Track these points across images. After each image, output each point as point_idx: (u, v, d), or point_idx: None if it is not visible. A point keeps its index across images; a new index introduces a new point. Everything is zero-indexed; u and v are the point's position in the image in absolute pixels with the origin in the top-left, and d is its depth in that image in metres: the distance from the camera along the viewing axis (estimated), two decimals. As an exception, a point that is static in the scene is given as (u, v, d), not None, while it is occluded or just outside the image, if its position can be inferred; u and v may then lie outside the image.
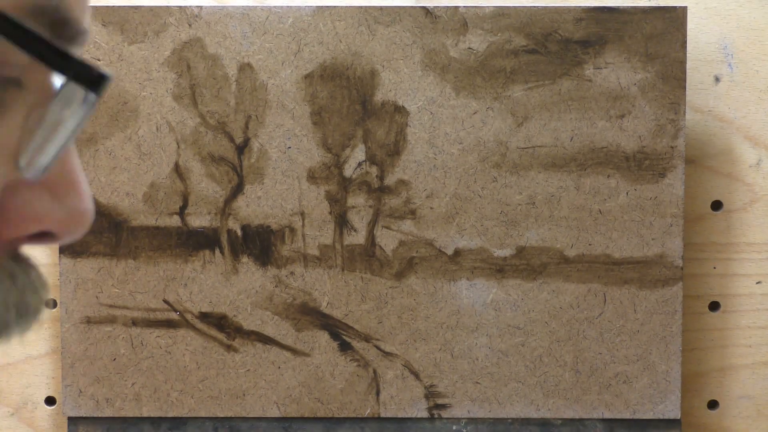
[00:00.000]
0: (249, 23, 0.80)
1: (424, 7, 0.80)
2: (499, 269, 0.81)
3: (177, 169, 0.81)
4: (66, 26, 0.40)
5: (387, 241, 0.81)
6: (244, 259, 0.81)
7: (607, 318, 0.81)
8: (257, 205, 0.81)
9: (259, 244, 0.81)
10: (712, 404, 0.86)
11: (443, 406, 0.82)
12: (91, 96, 0.39)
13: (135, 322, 0.82)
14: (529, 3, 0.82)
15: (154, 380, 0.82)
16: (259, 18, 0.80)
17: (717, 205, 0.84)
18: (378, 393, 0.82)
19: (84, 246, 0.81)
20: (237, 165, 0.81)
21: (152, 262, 0.81)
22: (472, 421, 0.83)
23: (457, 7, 0.80)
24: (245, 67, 0.80)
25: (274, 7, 0.80)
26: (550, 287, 0.81)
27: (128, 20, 0.80)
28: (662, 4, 0.82)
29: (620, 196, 0.81)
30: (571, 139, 0.81)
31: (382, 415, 0.82)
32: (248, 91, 0.80)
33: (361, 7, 0.80)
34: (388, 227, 0.81)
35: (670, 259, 0.81)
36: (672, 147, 0.80)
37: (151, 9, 0.80)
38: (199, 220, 0.81)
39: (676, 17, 0.80)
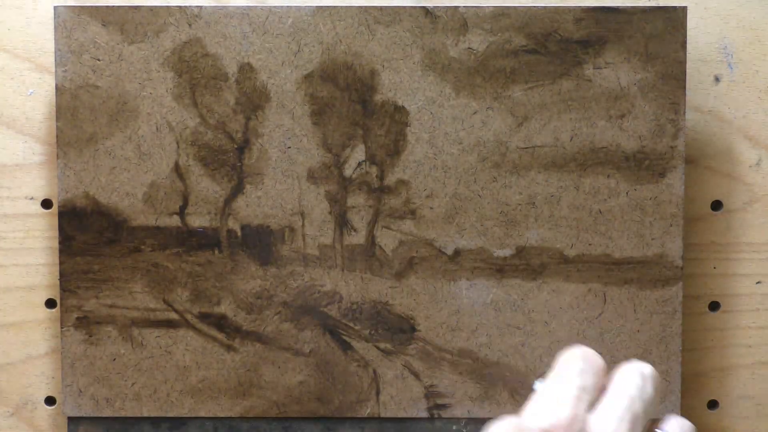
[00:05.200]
0: (249, 23, 0.80)
1: (424, 7, 0.80)
2: (499, 269, 0.81)
3: (177, 169, 0.81)
4: None
5: (387, 241, 0.81)
6: (244, 259, 0.81)
7: (607, 318, 0.81)
8: (257, 205, 0.81)
9: (259, 244, 0.81)
10: (712, 404, 0.86)
11: (443, 406, 0.82)
12: None
13: (135, 322, 0.82)
14: (529, 3, 0.82)
15: (154, 380, 0.82)
16: (259, 18, 0.80)
17: (717, 205, 0.84)
18: (378, 393, 0.82)
19: (84, 246, 0.81)
20: (237, 165, 0.81)
21: (152, 262, 0.81)
22: (472, 421, 0.83)
23: (457, 7, 0.80)
24: (245, 67, 0.80)
25: (274, 7, 0.80)
26: (550, 287, 0.81)
27: (128, 20, 0.80)
28: (662, 4, 0.82)
29: (620, 196, 0.81)
30: (571, 139, 0.81)
31: (382, 415, 0.82)
32: (248, 91, 0.80)
33: (361, 7, 0.80)
34: (388, 227, 0.81)
35: (670, 259, 0.81)
36: (672, 147, 0.80)
37: (151, 9, 0.80)
38: (199, 220, 0.81)
39: (676, 17, 0.80)
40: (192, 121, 0.81)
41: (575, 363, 0.65)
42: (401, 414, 0.82)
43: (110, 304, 0.81)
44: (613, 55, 0.80)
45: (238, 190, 0.81)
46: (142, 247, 0.81)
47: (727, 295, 0.85)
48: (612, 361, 0.82)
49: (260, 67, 0.80)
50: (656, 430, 0.66)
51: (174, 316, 0.82)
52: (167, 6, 0.80)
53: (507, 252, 0.81)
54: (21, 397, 0.85)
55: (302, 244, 0.81)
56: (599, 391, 0.64)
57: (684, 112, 0.80)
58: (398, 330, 0.82)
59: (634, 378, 0.65)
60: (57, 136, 0.80)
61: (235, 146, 0.81)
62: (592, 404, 0.63)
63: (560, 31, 0.80)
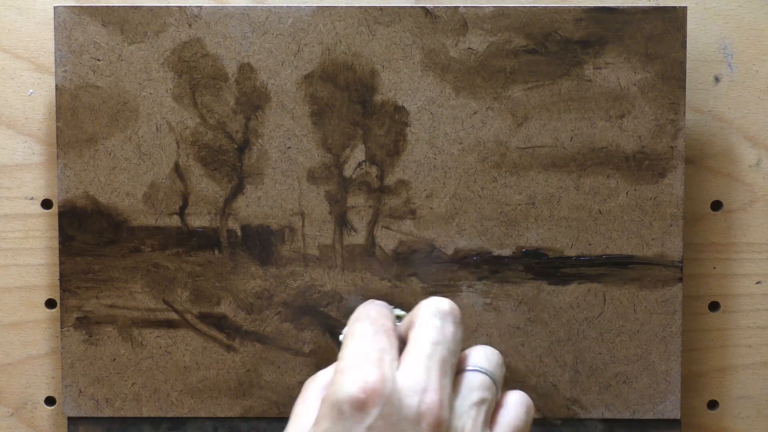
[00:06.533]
0: (249, 23, 0.80)
1: (424, 7, 0.80)
2: (498, 269, 0.81)
3: (177, 169, 0.81)
4: None
5: (387, 241, 0.81)
6: (244, 259, 0.81)
7: (607, 318, 0.81)
8: (257, 205, 0.81)
9: (259, 244, 0.81)
10: (712, 404, 0.86)
11: (443, 406, 0.82)
12: None
13: (135, 322, 0.82)
14: (529, 3, 0.82)
15: (154, 380, 0.82)
16: (259, 18, 0.80)
17: (717, 205, 0.84)
18: (378, 393, 0.82)
19: (84, 246, 0.81)
20: (237, 165, 0.81)
21: (152, 262, 0.81)
22: (472, 421, 0.83)
23: (457, 7, 0.80)
24: (245, 67, 0.80)
25: (274, 7, 0.80)
26: (550, 287, 0.81)
27: (128, 20, 0.80)
28: (662, 4, 0.82)
29: (620, 196, 0.81)
30: (571, 139, 0.81)
31: (382, 415, 0.82)
32: (248, 91, 0.80)
33: (361, 7, 0.80)
34: (388, 227, 0.81)
35: (670, 259, 0.81)
36: (672, 147, 0.80)
37: (151, 9, 0.80)
38: (199, 220, 0.81)
39: (676, 17, 0.80)
40: (192, 121, 0.81)
41: (365, 328, 0.62)
42: (401, 414, 0.82)
43: (110, 304, 0.81)
44: (613, 55, 0.80)
45: (238, 190, 0.81)
46: (142, 247, 0.81)
47: (727, 295, 0.85)
48: (612, 361, 0.82)
49: (260, 67, 0.80)
50: (465, 369, 0.63)
51: (174, 316, 0.82)
52: (167, 6, 0.80)
53: (507, 252, 0.81)
54: (21, 397, 0.85)
55: (302, 244, 0.81)
56: (399, 342, 0.62)
57: (684, 112, 0.80)
58: (398, 330, 0.82)
59: (432, 321, 0.62)
60: (57, 136, 0.80)
61: (235, 146, 0.81)
62: (397, 359, 0.61)
63: (560, 31, 0.80)
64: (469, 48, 0.80)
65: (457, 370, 0.64)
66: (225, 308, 0.82)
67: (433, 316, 0.63)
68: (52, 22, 0.82)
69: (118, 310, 0.81)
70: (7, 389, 0.85)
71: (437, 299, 0.64)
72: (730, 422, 0.86)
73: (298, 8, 0.80)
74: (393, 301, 0.82)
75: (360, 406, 0.58)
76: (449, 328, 0.63)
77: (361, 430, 0.58)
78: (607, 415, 0.82)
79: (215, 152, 0.81)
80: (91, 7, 0.80)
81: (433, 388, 0.60)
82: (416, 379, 0.60)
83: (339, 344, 0.65)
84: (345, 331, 0.65)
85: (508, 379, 0.82)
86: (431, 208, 0.81)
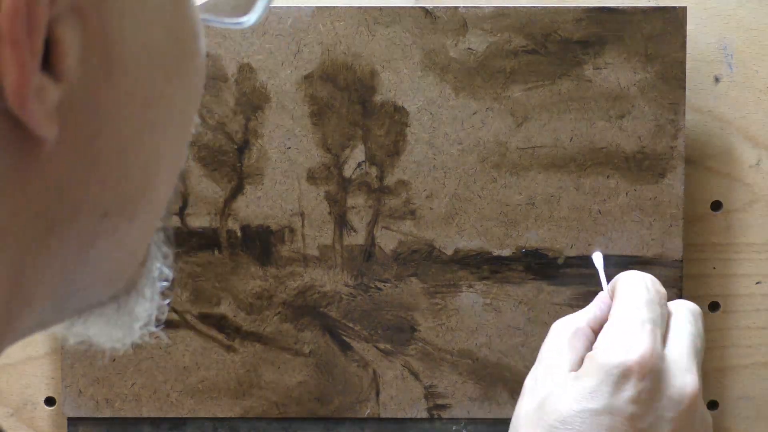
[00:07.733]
0: (249, 23, 0.80)
1: (423, 8, 0.80)
2: (498, 269, 0.81)
3: (177, 170, 0.81)
4: None
5: (387, 241, 0.81)
6: (244, 259, 0.81)
7: (607, 318, 0.81)
8: (257, 206, 0.81)
9: (259, 244, 0.81)
10: (712, 404, 0.86)
11: (443, 407, 0.82)
12: None
13: (135, 323, 0.81)
14: (529, 3, 0.82)
15: (154, 380, 0.82)
16: (258, 18, 0.80)
17: (717, 206, 0.84)
18: (378, 393, 0.82)
19: (84, 246, 0.81)
20: (237, 165, 0.81)
21: (152, 263, 0.81)
22: (472, 421, 0.83)
23: (456, 8, 0.80)
24: (245, 68, 0.80)
25: (274, 7, 0.80)
26: (550, 287, 0.81)
27: (128, 20, 0.80)
28: (662, 4, 0.82)
29: (620, 197, 0.81)
30: (571, 140, 0.81)
31: (382, 415, 0.82)
32: (248, 92, 0.80)
33: (360, 7, 0.80)
34: (387, 227, 0.81)
35: (670, 259, 0.81)
36: (672, 147, 0.80)
37: (151, 9, 0.80)
38: (198, 220, 0.81)
39: (676, 17, 0.80)
40: (192, 121, 0.80)
41: (641, 292, 0.64)
42: (401, 414, 0.82)
43: (110, 305, 0.81)
44: (612, 56, 0.80)
45: (238, 190, 0.81)
46: (142, 247, 0.81)
47: (727, 295, 0.85)
48: (612, 361, 0.82)
49: (260, 68, 0.80)
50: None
51: (174, 316, 0.81)
52: (167, 6, 0.80)
53: (507, 252, 0.81)
54: (21, 397, 0.85)
55: (302, 244, 0.81)
56: (666, 321, 0.64)
57: (684, 113, 0.80)
58: (398, 330, 0.82)
59: (687, 315, 0.65)
60: (57, 137, 0.80)
61: (235, 146, 0.81)
62: (664, 338, 0.63)
63: (560, 31, 0.80)
64: (468, 48, 0.80)
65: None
66: (225, 308, 0.82)
67: (688, 312, 0.65)
68: (51, 22, 0.82)
69: (118, 311, 0.81)
70: (7, 389, 0.85)
71: (685, 301, 0.67)
72: (730, 422, 0.86)
73: (298, 8, 0.80)
74: (393, 301, 0.82)
75: (629, 375, 0.60)
76: (700, 326, 0.65)
77: (625, 398, 0.60)
78: (607, 416, 0.82)
79: (215, 152, 0.81)
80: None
81: (694, 373, 0.63)
82: (681, 362, 0.62)
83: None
84: (619, 288, 0.65)
85: (507, 379, 0.82)
86: (431, 209, 0.81)
